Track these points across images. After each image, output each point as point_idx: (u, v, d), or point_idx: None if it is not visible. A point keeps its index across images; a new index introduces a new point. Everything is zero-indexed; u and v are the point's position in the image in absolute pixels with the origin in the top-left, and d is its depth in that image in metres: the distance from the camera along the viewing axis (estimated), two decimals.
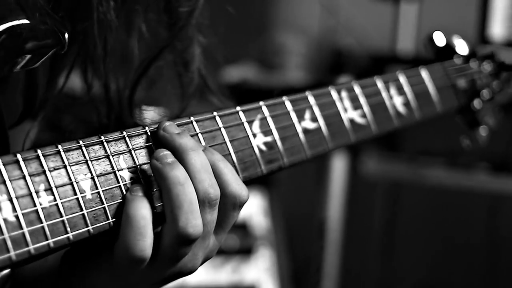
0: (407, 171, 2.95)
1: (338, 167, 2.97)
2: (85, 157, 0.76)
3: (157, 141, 0.83)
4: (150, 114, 1.07)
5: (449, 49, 1.29)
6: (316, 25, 3.64)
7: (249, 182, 0.91)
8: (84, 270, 0.85)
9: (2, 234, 0.68)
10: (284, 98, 0.97)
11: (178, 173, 0.81)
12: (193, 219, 0.80)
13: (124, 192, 0.80)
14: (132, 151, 0.81)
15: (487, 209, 3.32)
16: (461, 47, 1.30)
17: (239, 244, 2.66)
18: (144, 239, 0.79)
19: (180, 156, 0.82)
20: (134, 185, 0.81)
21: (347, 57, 3.39)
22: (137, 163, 0.81)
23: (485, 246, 3.35)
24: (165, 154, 0.82)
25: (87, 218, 0.74)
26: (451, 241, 3.48)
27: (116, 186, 0.78)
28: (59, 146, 0.74)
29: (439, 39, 1.29)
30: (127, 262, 0.80)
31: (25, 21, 0.82)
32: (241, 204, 0.86)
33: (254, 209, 2.74)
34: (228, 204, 0.86)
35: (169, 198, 0.80)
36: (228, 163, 0.86)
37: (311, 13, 3.66)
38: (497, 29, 2.99)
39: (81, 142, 0.77)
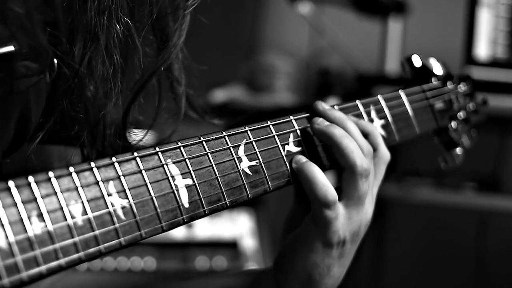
0: (396, 190, 2.97)
1: None
2: (75, 183, 0.78)
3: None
4: (139, 137, 1.07)
5: (427, 70, 1.32)
6: (304, 47, 3.66)
7: (235, 206, 0.94)
8: (297, 248, 1.02)
9: None
10: (268, 122, 1.00)
11: (340, 130, 1.00)
12: (364, 158, 0.99)
13: (288, 166, 0.98)
14: (122, 177, 0.82)
15: (475, 227, 3.34)
16: (438, 69, 1.33)
17: (226, 265, 2.66)
18: (329, 186, 0.96)
19: (339, 124, 1.01)
20: (295, 156, 0.99)
21: (335, 77, 3.40)
22: (126, 188, 0.82)
23: (474, 263, 3.36)
24: (322, 119, 1.01)
25: (78, 244, 0.76)
26: (440, 258, 3.50)
27: (106, 212, 0.80)
28: (50, 173, 0.76)
29: (416, 61, 1.32)
30: (324, 209, 0.96)
31: (15, 48, 0.83)
32: (388, 161, 1.07)
33: (242, 230, 2.74)
34: (381, 160, 1.06)
35: (341, 148, 0.98)
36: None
37: (300, 35, 3.68)
38: (482, 49, 3.02)
39: (71, 168, 0.78)
